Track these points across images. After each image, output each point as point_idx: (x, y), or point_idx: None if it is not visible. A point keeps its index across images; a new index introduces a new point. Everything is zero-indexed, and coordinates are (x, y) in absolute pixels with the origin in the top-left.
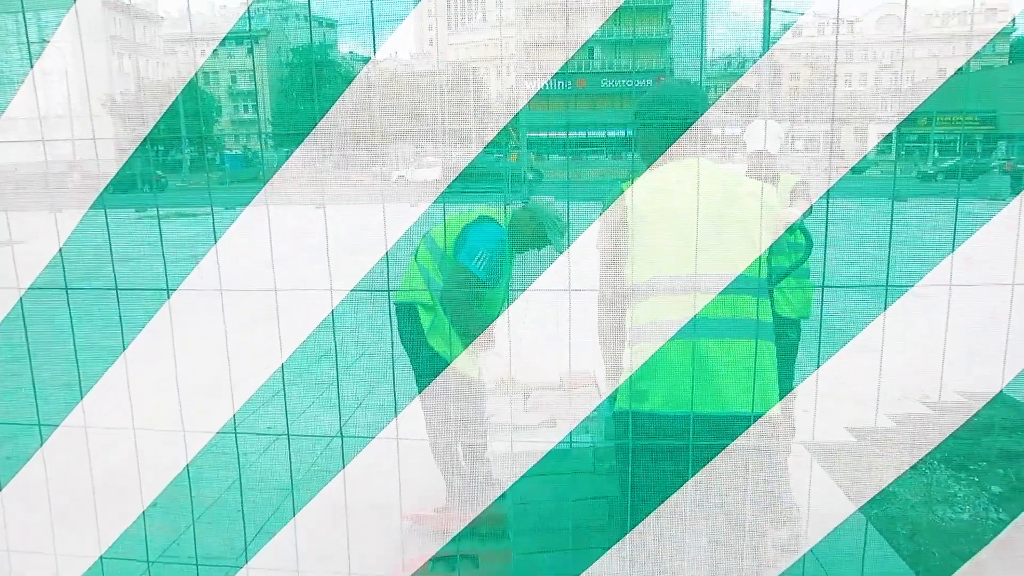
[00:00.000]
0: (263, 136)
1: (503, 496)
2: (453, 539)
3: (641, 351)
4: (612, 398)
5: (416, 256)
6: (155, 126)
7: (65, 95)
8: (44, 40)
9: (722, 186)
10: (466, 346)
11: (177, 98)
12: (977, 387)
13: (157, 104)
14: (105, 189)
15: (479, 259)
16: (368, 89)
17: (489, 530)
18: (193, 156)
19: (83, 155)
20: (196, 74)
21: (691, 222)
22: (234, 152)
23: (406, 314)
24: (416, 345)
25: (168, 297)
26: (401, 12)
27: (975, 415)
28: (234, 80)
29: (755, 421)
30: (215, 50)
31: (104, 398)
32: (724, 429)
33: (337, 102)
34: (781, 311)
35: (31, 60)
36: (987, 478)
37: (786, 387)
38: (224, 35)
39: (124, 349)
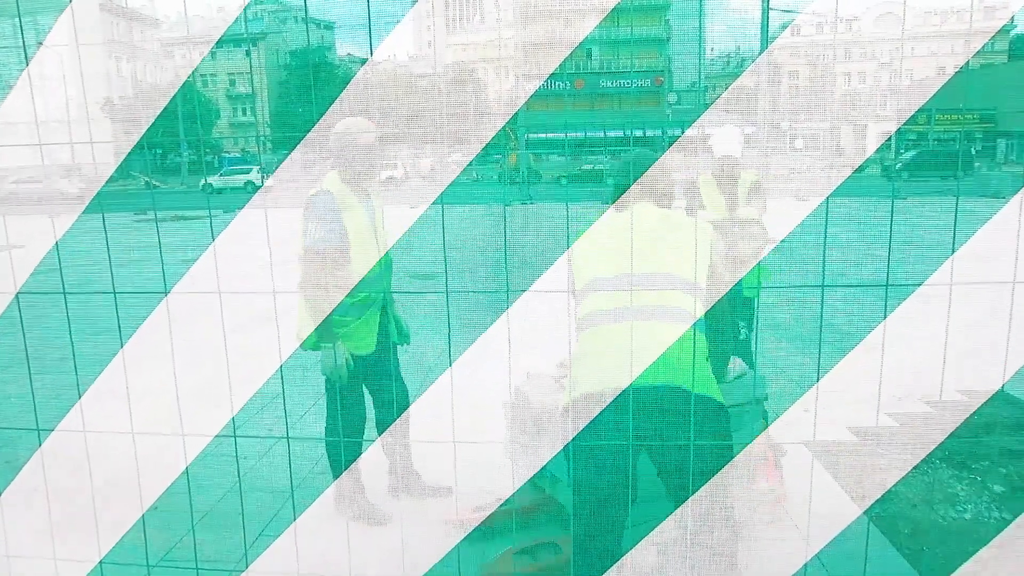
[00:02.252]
0: (261, 139)
1: (555, 482)
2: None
3: (579, 341)
4: None
5: None
6: (153, 129)
7: (63, 99)
8: (41, 43)
9: (659, 217)
10: (321, 331)
11: (174, 101)
12: (979, 386)
13: (154, 107)
14: (102, 193)
15: (309, 231)
16: (365, 91)
17: (546, 518)
18: (191, 159)
19: (82, 159)
20: (194, 77)
21: (626, 239)
22: (233, 155)
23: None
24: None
25: (164, 300)
26: (398, 13)
27: (976, 414)
28: (232, 83)
29: (679, 394)
30: (213, 53)
31: (103, 402)
32: (651, 401)
33: (334, 105)
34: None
35: (28, 63)
36: (989, 477)
37: (747, 348)
38: (219, 37)
39: (122, 353)
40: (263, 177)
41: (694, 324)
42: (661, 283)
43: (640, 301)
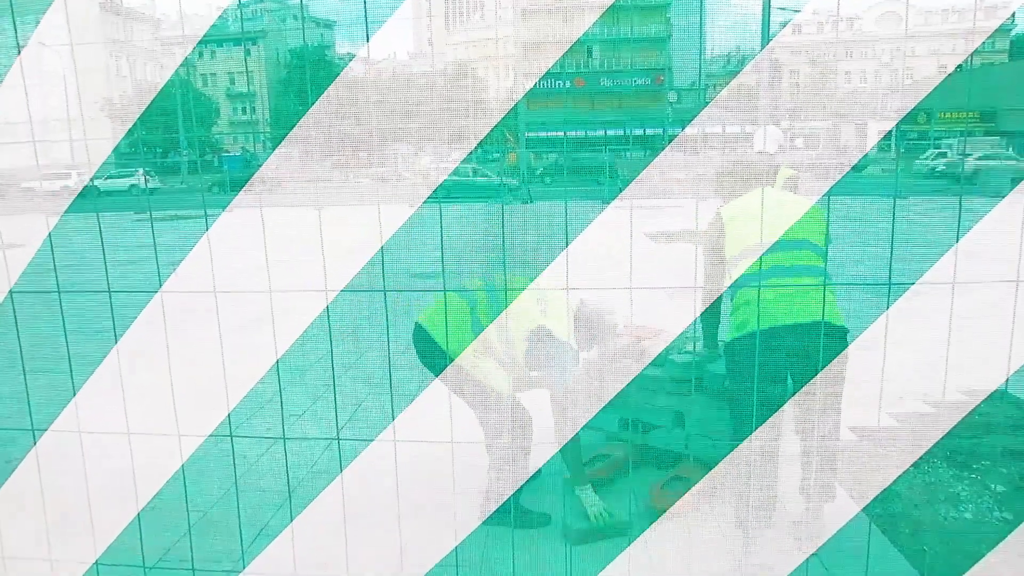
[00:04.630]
0: (261, 137)
1: (648, 430)
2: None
3: (740, 296)
4: (711, 336)
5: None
6: (152, 128)
7: (63, 99)
8: (40, 43)
9: (777, 200)
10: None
11: (173, 100)
12: (981, 385)
13: (153, 107)
14: (96, 192)
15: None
16: (364, 89)
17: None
18: (190, 158)
19: (81, 158)
20: (193, 76)
21: (757, 217)
22: (232, 154)
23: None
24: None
25: (162, 300)
26: (397, 11)
27: (977, 414)
28: (232, 82)
29: (819, 327)
30: (212, 51)
31: (101, 402)
32: (799, 334)
33: (322, 100)
34: None
35: (22, 63)
36: (990, 477)
37: None
38: (208, 34)
39: (117, 353)
40: (147, 180)
41: (817, 274)
42: (801, 246)
43: (787, 261)
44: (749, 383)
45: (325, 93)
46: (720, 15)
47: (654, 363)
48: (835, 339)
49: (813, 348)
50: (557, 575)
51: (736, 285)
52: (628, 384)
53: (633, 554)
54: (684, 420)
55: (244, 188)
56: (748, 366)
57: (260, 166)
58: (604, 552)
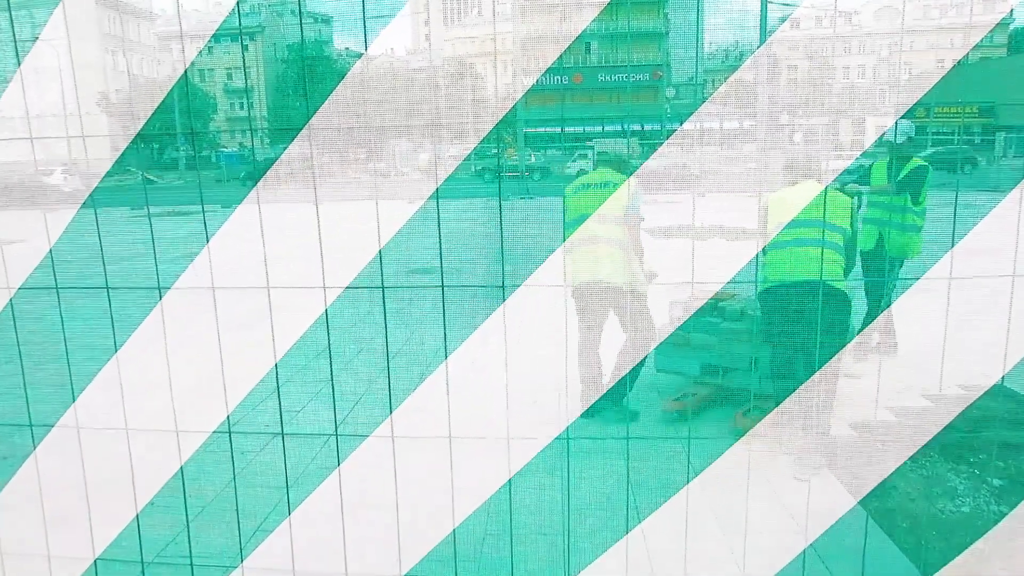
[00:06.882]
0: (258, 133)
1: (726, 373)
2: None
3: (771, 256)
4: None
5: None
6: (150, 124)
7: (59, 94)
8: (36, 38)
9: (810, 188)
10: None
11: (171, 95)
12: (979, 380)
13: (150, 102)
14: (99, 188)
15: None
16: (363, 86)
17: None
18: (188, 154)
19: (79, 154)
20: (190, 71)
21: (787, 202)
22: (230, 150)
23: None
24: None
25: (160, 296)
26: (395, 7)
27: (975, 407)
28: (230, 77)
29: (821, 285)
30: (210, 47)
31: (100, 398)
32: (808, 289)
33: (330, 98)
34: (890, 252)
35: (18, 58)
36: (988, 471)
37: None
38: (216, 31)
39: (116, 349)
40: (66, 179)
41: (827, 245)
42: (818, 224)
43: (804, 235)
44: (781, 326)
45: (333, 93)
46: (718, 11)
47: (733, 319)
48: (838, 299)
49: (817, 303)
50: (555, 572)
51: (767, 249)
52: (711, 335)
53: (632, 551)
54: (757, 363)
55: (257, 183)
56: (774, 311)
57: (258, 162)
58: (602, 545)
